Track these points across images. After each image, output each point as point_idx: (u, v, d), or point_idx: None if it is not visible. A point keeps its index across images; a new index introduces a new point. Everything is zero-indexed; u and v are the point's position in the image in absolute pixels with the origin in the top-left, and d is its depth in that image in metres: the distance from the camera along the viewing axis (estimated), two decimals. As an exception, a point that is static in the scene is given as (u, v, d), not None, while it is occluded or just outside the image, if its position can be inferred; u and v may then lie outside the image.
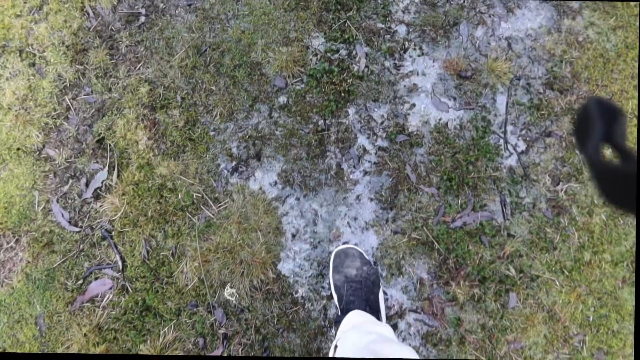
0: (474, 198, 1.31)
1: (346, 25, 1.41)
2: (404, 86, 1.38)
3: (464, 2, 1.43)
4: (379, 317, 1.17)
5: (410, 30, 1.41)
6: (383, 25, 1.41)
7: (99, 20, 1.40)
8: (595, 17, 1.41)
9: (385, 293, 1.26)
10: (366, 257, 1.25)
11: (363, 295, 1.19)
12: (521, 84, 1.38)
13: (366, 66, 1.39)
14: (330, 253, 1.27)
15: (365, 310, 1.16)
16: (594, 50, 1.39)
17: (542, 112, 1.35)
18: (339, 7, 1.41)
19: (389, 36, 1.41)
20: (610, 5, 1.41)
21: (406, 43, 1.40)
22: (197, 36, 1.39)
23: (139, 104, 1.33)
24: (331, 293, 1.25)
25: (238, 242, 1.26)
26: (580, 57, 1.39)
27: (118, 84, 1.36)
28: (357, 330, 1.02)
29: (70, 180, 1.32)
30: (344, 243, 1.29)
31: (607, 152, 0.37)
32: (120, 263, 1.26)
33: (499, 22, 1.42)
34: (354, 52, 1.40)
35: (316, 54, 1.39)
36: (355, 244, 1.28)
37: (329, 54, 1.39)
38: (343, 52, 1.40)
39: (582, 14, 1.42)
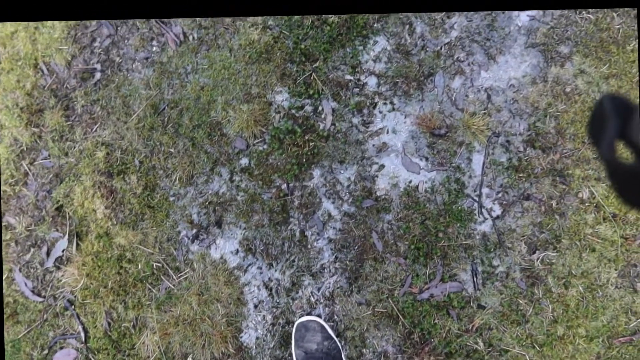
0: (443, 268, 1.26)
1: (312, 78, 1.32)
2: (373, 145, 1.31)
3: (440, 49, 1.32)
4: None
5: (381, 82, 1.32)
6: (352, 77, 1.32)
7: (53, 77, 1.35)
8: (587, 64, 1.29)
9: (347, 367, 1.25)
10: (328, 330, 1.23)
11: None
12: (500, 142, 1.29)
13: (333, 124, 1.31)
14: (293, 324, 1.25)
15: None
16: (582, 102, 1.28)
17: (521, 174, 1.27)
18: (303, 58, 1.33)
19: (357, 89, 1.32)
20: (604, 51, 1.28)
21: (376, 97, 1.32)
22: (155, 93, 1.33)
23: (95, 171, 1.30)
24: None
25: (198, 315, 1.25)
26: (567, 111, 1.28)
27: (75, 147, 1.33)
28: None
29: (32, 249, 1.32)
30: (307, 314, 1.27)
31: (623, 150, 0.37)
32: (83, 334, 1.27)
33: (479, 71, 1.32)
34: (320, 108, 1.32)
35: (279, 111, 1.32)
36: (319, 315, 1.26)
37: (293, 111, 1.32)
38: (308, 108, 1.32)
39: (572, 60, 1.30)
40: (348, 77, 1.34)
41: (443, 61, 1.33)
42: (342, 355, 1.25)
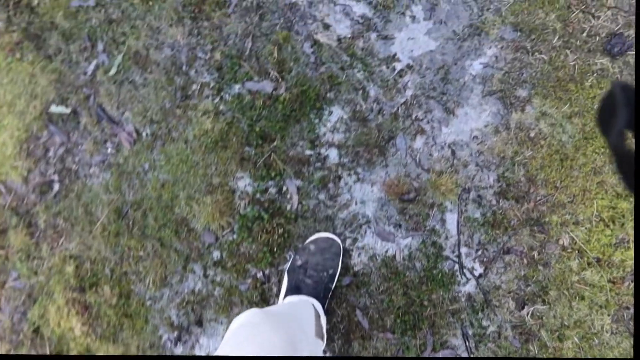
0: (433, 337, 1.23)
1: (272, 158, 1.30)
2: (343, 219, 1.28)
3: (397, 110, 1.29)
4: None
5: (342, 153, 1.29)
6: (312, 152, 1.30)
7: (12, 195, 1.33)
8: (547, 106, 1.26)
9: None
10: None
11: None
12: (471, 197, 1.26)
13: (299, 202, 1.28)
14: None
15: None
16: (549, 146, 1.25)
17: (498, 228, 1.23)
18: (260, 140, 1.30)
19: (319, 164, 1.30)
20: (562, 90, 1.25)
21: (339, 169, 1.29)
22: (116, 197, 1.31)
23: (67, 287, 1.28)
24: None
25: (191, 421, 1.22)
26: (534, 157, 1.25)
27: (43, 265, 1.30)
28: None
29: (14, 375, 1.29)
30: None
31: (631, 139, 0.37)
32: None
33: (440, 128, 1.29)
34: (285, 189, 1.29)
35: (244, 198, 1.29)
36: None
37: (257, 196, 1.29)
38: (272, 190, 1.30)
39: (531, 102, 1.27)
40: (308, 152, 1.31)
41: (402, 122, 1.30)
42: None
